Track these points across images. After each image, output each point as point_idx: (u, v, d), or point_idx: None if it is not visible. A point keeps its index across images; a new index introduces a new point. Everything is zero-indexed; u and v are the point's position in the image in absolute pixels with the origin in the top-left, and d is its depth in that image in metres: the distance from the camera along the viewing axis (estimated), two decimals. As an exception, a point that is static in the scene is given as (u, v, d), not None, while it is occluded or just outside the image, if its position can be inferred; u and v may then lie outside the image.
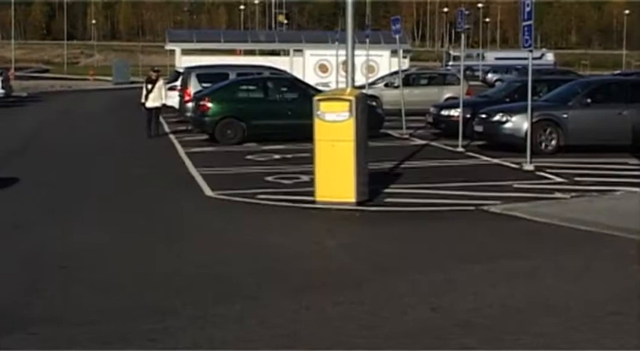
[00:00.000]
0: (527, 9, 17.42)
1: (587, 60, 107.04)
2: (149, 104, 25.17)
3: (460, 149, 20.55)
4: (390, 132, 24.75)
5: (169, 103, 27.48)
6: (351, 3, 14.27)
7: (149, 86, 25.39)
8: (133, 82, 64.42)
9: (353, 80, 14.27)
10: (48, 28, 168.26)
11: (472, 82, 44.46)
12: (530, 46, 17.57)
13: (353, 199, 13.06)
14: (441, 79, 35.12)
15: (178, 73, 31.89)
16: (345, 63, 14.78)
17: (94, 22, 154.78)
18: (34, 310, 7.87)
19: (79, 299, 8.24)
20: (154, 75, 25.82)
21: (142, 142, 23.78)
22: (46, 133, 27.60)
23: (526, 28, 17.62)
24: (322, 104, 13.30)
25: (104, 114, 36.31)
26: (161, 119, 26.66)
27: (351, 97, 13.19)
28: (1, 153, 20.96)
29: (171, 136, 24.97)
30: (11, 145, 23.18)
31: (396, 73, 32.23)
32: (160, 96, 25.33)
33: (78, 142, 23.92)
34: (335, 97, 13.70)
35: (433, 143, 22.53)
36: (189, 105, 25.15)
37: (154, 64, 42.46)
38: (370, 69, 37.28)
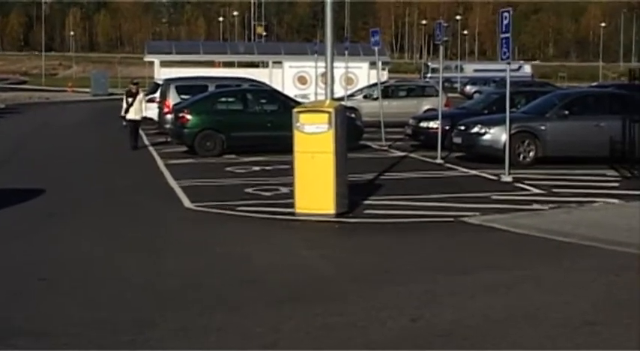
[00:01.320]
0: (505, 21, 17.54)
1: (564, 72, 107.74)
2: (130, 116, 25.21)
3: (439, 161, 20.63)
4: (369, 144, 24.83)
5: (148, 114, 27.38)
6: (330, 15, 14.34)
7: (129, 100, 25.40)
8: (111, 94, 64.27)
9: (332, 92, 14.33)
10: (26, 40, 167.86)
11: (450, 94, 44.61)
12: (508, 58, 17.68)
13: (332, 211, 13.09)
14: (419, 91, 35.28)
15: (157, 85, 31.84)
16: (324, 75, 14.83)
17: (72, 33, 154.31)
18: (15, 323, 7.83)
19: (59, 311, 8.21)
20: (134, 88, 25.88)
21: (121, 153, 23.75)
22: (26, 145, 27.47)
23: (504, 41, 17.73)
24: (302, 116, 13.34)
25: (83, 126, 36.16)
26: (140, 131, 26.46)
27: (330, 109, 13.23)
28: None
29: (151, 148, 24.95)
30: (-11, 156, 23.05)
31: (374, 85, 32.33)
32: (141, 109, 25.35)
33: (57, 154, 23.84)
34: (314, 108, 13.74)
35: (412, 155, 22.61)
36: (169, 117, 25.10)
37: (132, 76, 42.43)
38: (349, 81, 37.48)
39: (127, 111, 25.35)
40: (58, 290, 9.09)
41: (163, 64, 48.34)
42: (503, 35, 17.74)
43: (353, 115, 27.30)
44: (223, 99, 24.69)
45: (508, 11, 17.77)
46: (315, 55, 37.01)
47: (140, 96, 25.66)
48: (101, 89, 68.38)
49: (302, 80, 47.27)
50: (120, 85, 74.34)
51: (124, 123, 25.88)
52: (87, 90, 71.47)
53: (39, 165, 21.26)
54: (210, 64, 58.34)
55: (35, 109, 50.91)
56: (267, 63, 51.19)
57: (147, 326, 7.63)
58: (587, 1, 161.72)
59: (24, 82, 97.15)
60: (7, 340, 7.26)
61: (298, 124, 13.29)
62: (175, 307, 8.32)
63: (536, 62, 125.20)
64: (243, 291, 8.98)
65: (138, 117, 25.19)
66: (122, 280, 9.54)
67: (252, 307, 8.27)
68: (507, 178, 17.21)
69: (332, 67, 14.31)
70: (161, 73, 43.45)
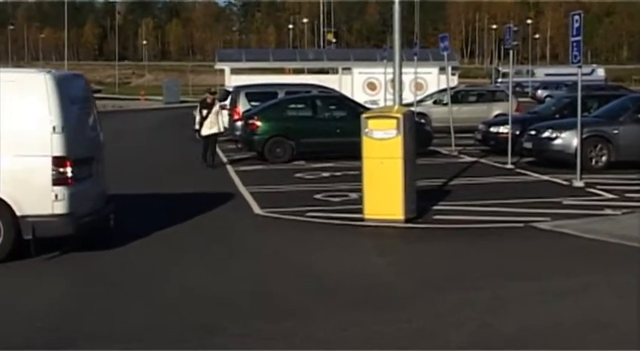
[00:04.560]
0: (576, 25, 17.32)
1: (638, 75, 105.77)
2: (205, 131, 22.18)
3: (509, 166, 20.44)
4: (439, 149, 24.70)
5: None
6: (399, 21, 14.33)
7: (204, 112, 22.31)
8: (183, 102, 65.08)
9: (400, 97, 14.31)
10: (100, 49, 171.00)
11: (521, 99, 44.18)
12: (579, 61, 17.46)
13: (401, 217, 13.06)
14: (489, 96, 34.95)
15: (227, 92, 32.13)
16: (393, 80, 14.81)
17: (144, 42, 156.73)
18: (86, 327, 7.98)
19: (129, 315, 8.34)
20: (209, 98, 22.82)
21: (192, 160, 23.96)
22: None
23: (575, 44, 17.51)
24: (370, 122, 13.35)
25: (155, 132, 36.75)
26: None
27: (398, 115, 13.22)
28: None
29: (221, 154, 25.11)
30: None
31: (444, 90, 32.16)
32: (217, 122, 22.26)
33: (130, 158, 24.19)
34: (383, 114, 13.73)
35: (482, 160, 22.44)
36: (239, 124, 25.27)
37: (204, 84, 42.55)
38: (419, 86, 37.27)
39: (201, 124, 22.37)
40: (130, 295, 9.24)
41: (234, 71, 48.69)
42: (574, 38, 17.52)
43: (422, 121, 27.28)
44: (292, 105, 24.82)
45: (579, 14, 17.55)
46: (385, 61, 36.95)
47: (216, 107, 22.44)
48: (173, 97, 69.32)
49: (371, 86, 47.20)
50: (191, 93, 75.26)
51: (198, 136, 22.93)
52: (159, 98, 72.48)
53: (115, 170, 21.54)
54: (280, 71, 58.65)
55: (110, 116, 51.56)
56: (337, 69, 51.25)
57: (215, 331, 7.71)
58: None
59: (98, 91, 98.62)
60: (78, 343, 7.41)
61: (367, 130, 13.30)
62: (244, 312, 8.39)
63: (610, 66, 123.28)
64: (312, 297, 9.01)
65: (214, 130, 22.15)
66: (192, 285, 9.63)
67: (321, 313, 8.29)
68: (579, 183, 16.97)
69: (400, 73, 14.29)
70: (232, 81, 43.80)
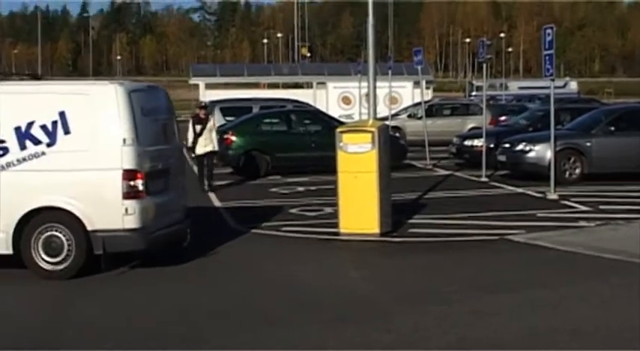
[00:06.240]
0: (548, 38, 17.45)
1: (611, 88, 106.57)
2: (199, 150, 19.86)
3: (484, 179, 20.53)
4: (413, 163, 24.79)
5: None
6: (373, 35, 14.40)
7: (197, 127, 19.84)
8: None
9: (375, 112, 14.36)
10: (74, 64, 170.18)
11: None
12: (551, 74, 17.58)
13: (377, 231, 13.08)
14: (464, 110, 35.13)
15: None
16: (367, 95, 14.87)
17: (119, 57, 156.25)
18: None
19: (108, 328, 8.30)
20: (202, 113, 20.14)
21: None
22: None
23: (547, 57, 17.63)
24: (345, 136, 13.38)
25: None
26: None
27: (373, 129, 13.26)
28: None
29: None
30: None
31: (419, 104, 32.30)
32: (211, 139, 19.89)
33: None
34: (357, 128, 13.77)
35: (457, 173, 22.53)
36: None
37: (180, 99, 42.14)
38: (393, 100, 37.41)
39: (194, 142, 19.83)
40: (105, 305, 9.20)
41: (208, 86, 48.72)
42: (546, 52, 17.64)
43: (397, 134, 27.36)
44: (267, 120, 24.81)
45: (551, 27, 17.69)
46: (359, 75, 37.08)
47: (210, 123, 20.09)
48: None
49: (346, 100, 47.35)
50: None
51: (192, 155, 20.34)
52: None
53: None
54: (255, 85, 58.72)
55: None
56: (312, 84, 51.38)
57: (193, 343, 7.71)
58: (632, 14, 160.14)
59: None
60: None
61: (341, 144, 13.32)
62: (221, 325, 8.38)
63: (582, 79, 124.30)
64: (289, 311, 9.01)
65: (209, 148, 19.80)
66: (168, 299, 9.61)
67: (298, 326, 8.30)
68: (553, 196, 17.08)
69: (374, 87, 14.35)
70: (206, 96, 43.79)
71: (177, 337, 8.00)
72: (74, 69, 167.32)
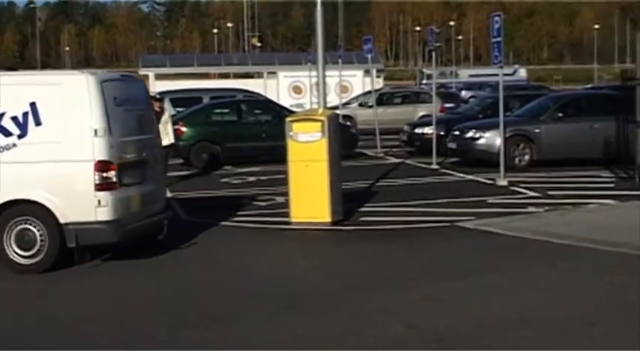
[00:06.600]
0: (497, 26, 17.58)
1: (559, 75, 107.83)
2: None
3: (434, 166, 20.64)
4: (364, 151, 24.84)
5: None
6: (321, 23, 14.37)
7: None
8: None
9: (325, 101, 14.35)
10: (22, 56, 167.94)
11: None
12: (500, 62, 17.71)
13: (328, 219, 13.08)
14: (414, 98, 35.32)
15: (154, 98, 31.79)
16: (317, 84, 14.86)
17: (67, 48, 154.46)
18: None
19: (57, 325, 8.21)
20: (157, 105, 17.58)
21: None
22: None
23: (496, 45, 17.76)
24: (295, 125, 13.35)
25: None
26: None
27: (322, 118, 13.24)
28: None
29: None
30: None
31: (369, 92, 32.37)
32: (166, 132, 17.98)
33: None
34: (307, 117, 13.75)
35: (408, 161, 22.62)
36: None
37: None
38: (344, 89, 37.50)
39: None
40: (55, 299, 9.10)
41: (158, 77, 48.38)
42: (494, 39, 17.78)
43: (348, 123, 27.42)
44: (218, 110, 24.71)
45: (499, 15, 17.83)
46: (309, 65, 37.05)
47: (165, 116, 18.50)
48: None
49: (297, 90, 47.30)
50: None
51: None
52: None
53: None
54: (206, 76, 58.42)
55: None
56: (262, 74, 51.26)
57: (141, 340, 7.63)
58: (580, 2, 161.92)
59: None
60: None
61: (291, 133, 13.30)
62: (170, 319, 8.30)
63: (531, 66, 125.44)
64: (239, 301, 8.96)
65: (165, 142, 16.58)
66: (122, 292, 9.52)
67: (248, 316, 8.25)
68: (503, 182, 17.22)
69: (324, 76, 14.35)
70: (156, 87, 43.46)
71: (124, 333, 7.90)
72: (22, 60, 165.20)
